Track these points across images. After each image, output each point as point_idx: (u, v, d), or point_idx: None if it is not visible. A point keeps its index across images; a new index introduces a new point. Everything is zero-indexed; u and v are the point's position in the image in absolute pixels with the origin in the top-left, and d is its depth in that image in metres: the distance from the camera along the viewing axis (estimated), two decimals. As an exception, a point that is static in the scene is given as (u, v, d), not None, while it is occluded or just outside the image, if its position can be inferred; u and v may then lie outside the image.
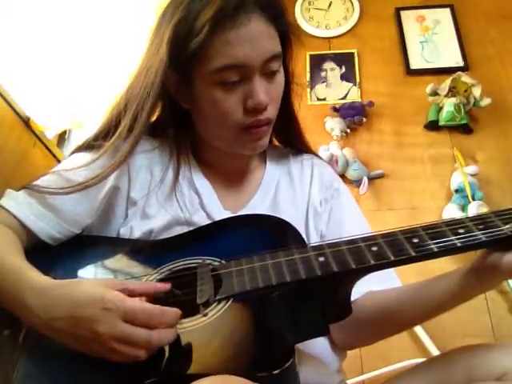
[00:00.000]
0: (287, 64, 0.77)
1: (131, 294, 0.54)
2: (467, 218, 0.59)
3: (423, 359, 0.76)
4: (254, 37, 0.66)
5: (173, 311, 0.53)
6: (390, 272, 0.75)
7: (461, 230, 0.56)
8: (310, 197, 0.81)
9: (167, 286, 0.58)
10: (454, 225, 0.58)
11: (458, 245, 0.55)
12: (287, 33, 0.73)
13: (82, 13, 1.31)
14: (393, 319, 0.70)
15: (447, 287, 0.64)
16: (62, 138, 1.40)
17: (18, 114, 1.06)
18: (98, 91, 1.36)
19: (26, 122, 1.09)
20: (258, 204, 0.79)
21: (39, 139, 1.14)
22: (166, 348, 0.53)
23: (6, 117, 1.03)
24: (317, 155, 0.91)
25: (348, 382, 0.81)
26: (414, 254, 0.56)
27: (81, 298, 0.52)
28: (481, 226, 0.56)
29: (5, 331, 0.59)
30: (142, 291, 0.56)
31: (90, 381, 0.54)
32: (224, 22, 0.65)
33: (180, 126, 0.79)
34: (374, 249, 0.57)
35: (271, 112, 0.71)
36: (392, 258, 0.56)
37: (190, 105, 0.75)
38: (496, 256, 0.57)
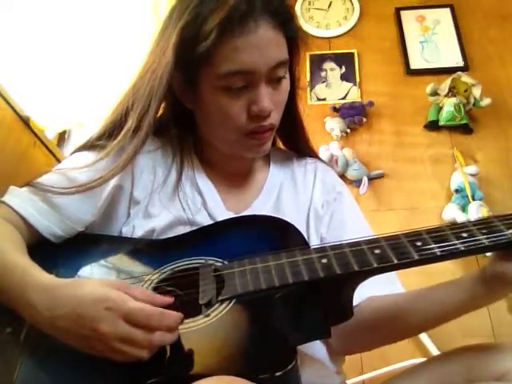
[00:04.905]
0: (293, 69, 0.76)
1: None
2: (470, 221, 0.59)
3: (423, 359, 0.76)
4: (261, 44, 0.66)
5: (173, 314, 0.53)
6: (392, 277, 0.75)
7: (464, 234, 0.56)
8: (312, 200, 0.81)
9: (169, 300, 0.56)
10: (457, 228, 0.57)
11: (462, 249, 0.55)
12: (295, 38, 0.73)
13: (82, 12, 1.31)
14: (393, 325, 0.70)
15: (454, 295, 0.63)
16: (62, 137, 1.40)
17: (17, 113, 1.06)
18: (99, 91, 1.36)
19: (26, 121, 1.09)
20: (260, 206, 0.78)
21: (39, 139, 1.14)
22: (168, 348, 0.53)
23: (6, 117, 1.03)
24: (320, 159, 0.90)
25: (348, 381, 0.81)
26: (417, 257, 0.55)
27: (84, 297, 0.52)
28: (484, 231, 0.56)
29: (7, 329, 0.59)
30: (144, 301, 0.54)
31: (91, 380, 0.53)
32: (232, 28, 0.64)
33: (183, 125, 0.79)
34: (377, 251, 0.57)
35: (275, 118, 0.71)
36: (395, 261, 0.56)
37: (194, 106, 0.74)
38: (506, 266, 0.57)
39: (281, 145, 0.90)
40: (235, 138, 0.72)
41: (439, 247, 0.56)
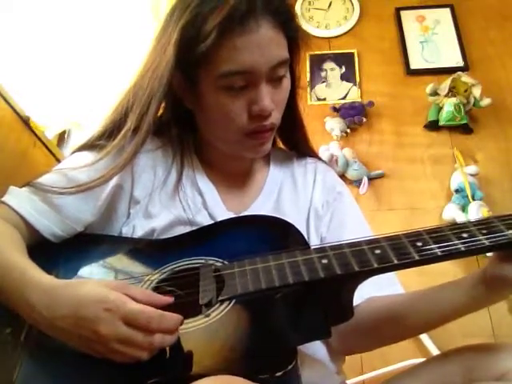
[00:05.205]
0: (294, 68, 0.76)
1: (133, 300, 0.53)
2: (470, 222, 0.59)
3: (423, 359, 0.75)
4: (262, 43, 0.65)
5: (173, 317, 0.52)
6: (392, 278, 0.75)
7: (464, 235, 0.56)
8: (312, 200, 0.81)
9: (170, 299, 0.56)
10: (457, 229, 0.57)
11: (462, 249, 0.55)
12: (295, 38, 0.73)
13: (82, 13, 1.31)
14: (394, 326, 0.69)
15: (454, 296, 0.63)
16: (61, 137, 1.41)
17: (17, 113, 1.06)
18: (98, 91, 1.36)
19: (26, 121, 1.09)
20: (260, 206, 0.78)
21: (39, 139, 1.14)
22: (168, 348, 0.53)
23: (6, 117, 1.03)
24: (321, 159, 0.90)
25: (348, 382, 0.81)
26: (417, 257, 0.55)
27: (84, 298, 0.52)
28: (484, 231, 0.56)
29: (7, 329, 0.59)
30: (144, 301, 0.54)
31: (91, 380, 0.53)
32: (233, 28, 0.64)
33: (183, 125, 0.79)
34: (378, 252, 0.57)
35: (276, 117, 0.71)
36: (395, 262, 0.56)
37: (194, 106, 0.74)
38: (506, 268, 0.57)
39: (281, 145, 0.89)
40: (235, 138, 0.72)
41: (439, 247, 0.56)
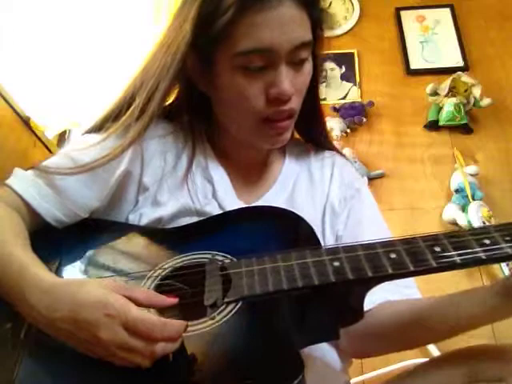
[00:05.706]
0: (316, 54, 0.71)
1: (135, 303, 0.51)
2: (493, 227, 0.54)
3: (424, 359, 0.75)
4: (283, 21, 0.61)
5: (176, 324, 0.50)
6: (409, 281, 0.72)
7: (486, 241, 0.52)
8: (328, 195, 0.78)
9: (174, 300, 0.54)
10: (478, 234, 0.53)
11: (483, 258, 0.51)
12: (320, 20, 0.69)
13: (82, 13, 1.30)
14: (408, 333, 0.66)
15: (468, 304, 0.60)
16: (62, 137, 1.40)
17: (18, 113, 1.06)
18: (98, 91, 1.36)
19: (26, 121, 1.09)
20: (272, 198, 0.75)
21: (39, 139, 1.14)
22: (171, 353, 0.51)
23: (6, 117, 1.03)
24: (339, 152, 0.86)
25: (348, 381, 0.80)
26: (435, 265, 0.52)
27: (84, 299, 0.50)
28: (507, 238, 0.52)
29: (7, 325, 0.57)
30: (147, 304, 0.52)
31: (91, 379, 0.52)
32: (252, 3, 0.60)
33: (197, 111, 0.76)
34: (393, 256, 0.53)
35: (295, 102, 0.67)
36: (411, 269, 0.52)
37: (209, 88, 0.71)
38: None
39: (298, 137, 0.85)
40: (252, 124, 0.68)
41: (459, 255, 0.52)
